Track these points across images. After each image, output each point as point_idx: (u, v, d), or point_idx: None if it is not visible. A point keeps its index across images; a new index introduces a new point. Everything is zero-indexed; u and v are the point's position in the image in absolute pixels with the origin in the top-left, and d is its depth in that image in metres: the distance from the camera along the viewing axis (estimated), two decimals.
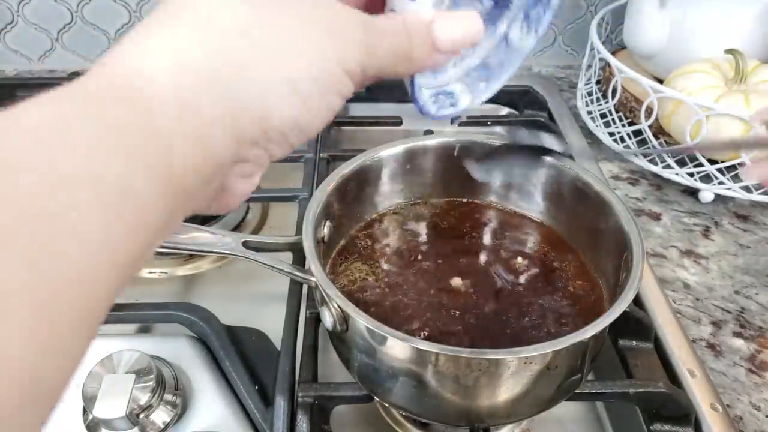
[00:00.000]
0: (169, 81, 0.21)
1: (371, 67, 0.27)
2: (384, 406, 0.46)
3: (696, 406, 0.42)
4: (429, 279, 0.44)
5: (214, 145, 0.22)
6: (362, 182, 0.47)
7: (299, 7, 0.25)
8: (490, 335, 0.40)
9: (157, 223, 0.20)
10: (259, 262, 0.41)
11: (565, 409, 0.47)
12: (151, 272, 0.60)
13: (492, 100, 0.87)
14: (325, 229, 0.43)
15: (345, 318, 0.36)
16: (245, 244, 0.42)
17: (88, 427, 0.40)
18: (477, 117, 0.76)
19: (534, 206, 0.48)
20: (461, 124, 0.73)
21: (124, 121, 0.20)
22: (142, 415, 0.39)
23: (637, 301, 0.50)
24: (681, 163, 0.66)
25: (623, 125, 0.71)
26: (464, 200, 0.50)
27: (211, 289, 0.58)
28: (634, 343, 0.46)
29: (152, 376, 0.40)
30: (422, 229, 0.48)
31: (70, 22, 0.90)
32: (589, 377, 0.44)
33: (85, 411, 0.40)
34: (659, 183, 0.69)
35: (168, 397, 0.41)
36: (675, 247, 0.61)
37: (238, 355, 0.44)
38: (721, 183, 0.63)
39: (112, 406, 0.38)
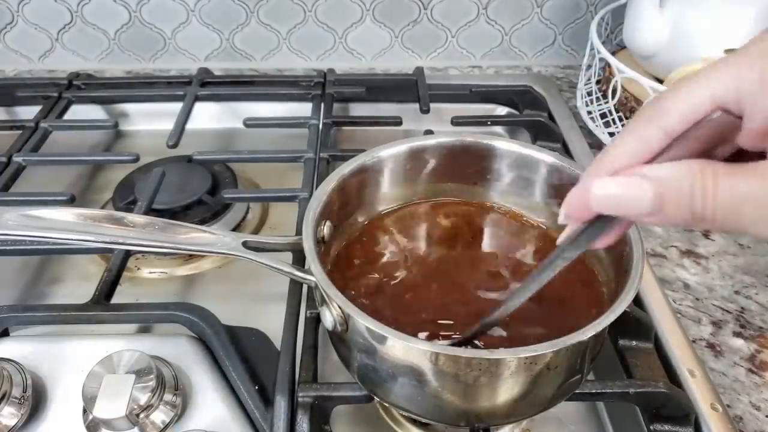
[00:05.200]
0: None
1: None
2: (384, 406, 0.46)
3: (696, 406, 0.42)
4: (429, 278, 0.44)
5: None
6: (362, 182, 0.46)
7: None
8: (490, 335, 0.40)
9: None
10: (259, 262, 0.41)
11: (565, 409, 0.47)
12: (151, 272, 0.60)
13: (492, 100, 0.88)
14: (325, 229, 0.43)
15: (345, 318, 0.36)
16: (245, 244, 0.42)
17: (88, 427, 0.40)
18: (477, 117, 0.76)
19: (534, 206, 0.48)
20: (461, 124, 0.73)
21: None
22: (142, 415, 0.39)
23: (637, 301, 0.50)
24: None
25: (623, 125, 0.71)
26: (464, 200, 0.50)
27: (211, 289, 0.58)
28: (634, 343, 0.46)
29: (152, 376, 0.40)
30: (422, 229, 0.48)
31: (70, 22, 0.90)
32: (589, 377, 0.44)
33: (85, 411, 0.40)
34: None
35: (168, 397, 0.41)
36: (675, 247, 0.61)
37: (238, 355, 0.44)
38: None
39: (112, 406, 0.38)
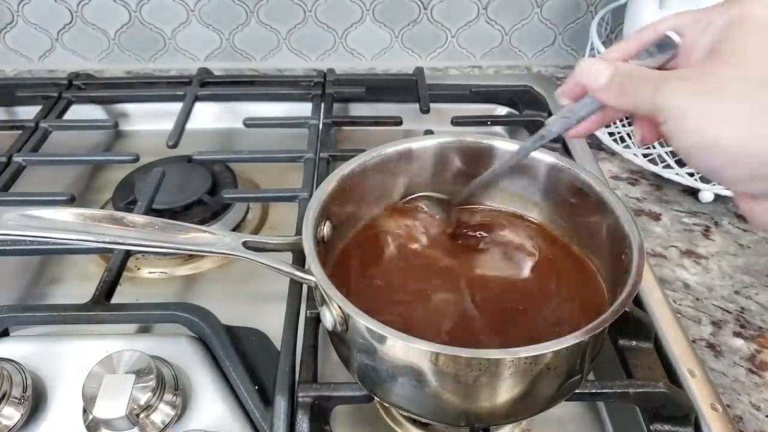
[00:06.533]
0: None
1: None
2: (384, 406, 0.46)
3: (696, 406, 0.42)
4: (429, 279, 0.44)
5: None
6: (362, 182, 0.46)
7: None
8: (490, 335, 0.40)
9: None
10: (259, 262, 0.41)
11: (565, 409, 0.47)
12: (151, 272, 0.60)
13: (492, 100, 0.88)
14: (325, 229, 0.43)
15: (345, 318, 0.36)
16: (245, 245, 0.42)
17: (88, 427, 0.40)
18: (477, 117, 0.76)
19: (534, 206, 0.48)
20: (461, 124, 0.73)
21: None
22: (142, 415, 0.39)
23: (637, 301, 0.50)
24: (681, 163, 0.66)
25: (623, 125, 0.71)
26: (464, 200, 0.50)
27: (211, 289, 0.58)
28: (634, 343, 0.46)
29: (152, 376, 0.40)
30: (422, 228, 0.48)
31: (70, 22, 0.90)
32: (589, 377, 0.44)
33: (85, 411, 0.40)
34: (659, 183, 0.69)
35: (168, 397, 0.41)
36: (675, 247, 0.61)
37: (238, 355, 0.44)
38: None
39: (112, 406, 0.38)
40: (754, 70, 0.30)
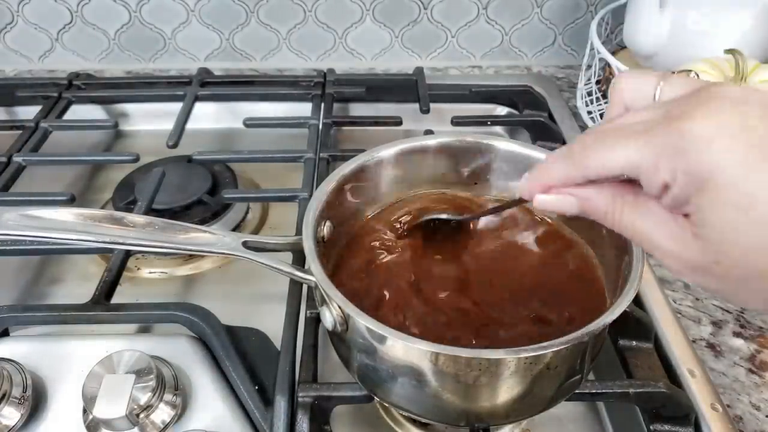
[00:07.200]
0: None
1: None
2: (384, 406, 0.46)
3: (696, 406, 0.43)
4: (429, 277, 0.44)
5: None
6: (362, 182, 0.46)
7: None
8: (490, 332, 0.40)
9: None
10: (259, 262, 0.41)
11: (565, 409, 0.47)
12: (151, 272, 0.60)
13: (492, 100, 0.88)
14: (325, 229, 0.43)
15: (345, 318, 0.36)
16: (245, 245, 0.42)
17: (88, 427, 0.40)
18: (477, 117, 0.76)
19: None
20: (461, 124, 0.73)
21: None
22: (142, 415, 0.39)
23: (637, 301, 0.50)
24: None
25: None
26: (464, 201, 0.50)
27: (211, 289, 0.58)
28: (634, 343, 0.46)
29: (152, 376, 0.40)
30: (423, 228, 0.48)
31: (70, 22, 0.90)
32: (589, 377, 0.44)
33: (85, 411, 0.40)
34: None
35: (168, 397, 0.41)
36: None
37: (238, 355, 0.44)
38: None
39: (112, 406, 0.38)
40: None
